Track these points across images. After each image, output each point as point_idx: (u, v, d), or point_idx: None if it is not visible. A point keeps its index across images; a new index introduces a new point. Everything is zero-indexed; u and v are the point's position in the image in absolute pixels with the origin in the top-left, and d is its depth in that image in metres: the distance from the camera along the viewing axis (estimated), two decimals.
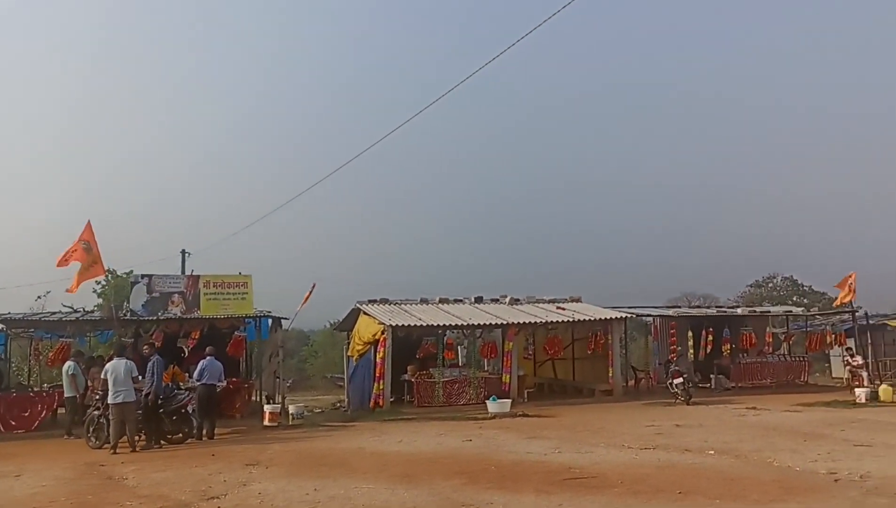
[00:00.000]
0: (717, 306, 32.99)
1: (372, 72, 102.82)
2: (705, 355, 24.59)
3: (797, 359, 25.99)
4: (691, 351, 24.28)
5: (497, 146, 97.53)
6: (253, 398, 20.72)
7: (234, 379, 19.60)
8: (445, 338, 22.85)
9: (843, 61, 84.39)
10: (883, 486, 8.54)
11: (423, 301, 24.53)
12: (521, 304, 24.89)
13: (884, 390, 19.91)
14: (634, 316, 25.22)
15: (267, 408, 18.01)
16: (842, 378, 25.69)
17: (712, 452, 11.56)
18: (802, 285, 48.95)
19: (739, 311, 27.74)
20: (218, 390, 16.19)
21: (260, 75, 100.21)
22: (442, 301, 24.72)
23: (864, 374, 22.37)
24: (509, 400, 19.30)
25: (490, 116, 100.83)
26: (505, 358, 21.72)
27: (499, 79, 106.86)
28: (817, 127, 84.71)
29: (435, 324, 21.56)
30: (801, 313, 29.31)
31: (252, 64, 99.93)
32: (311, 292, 19.53)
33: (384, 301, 23.94)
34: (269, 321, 21.43)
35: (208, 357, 16.08)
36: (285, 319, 21.59)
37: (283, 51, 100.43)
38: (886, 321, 31.26)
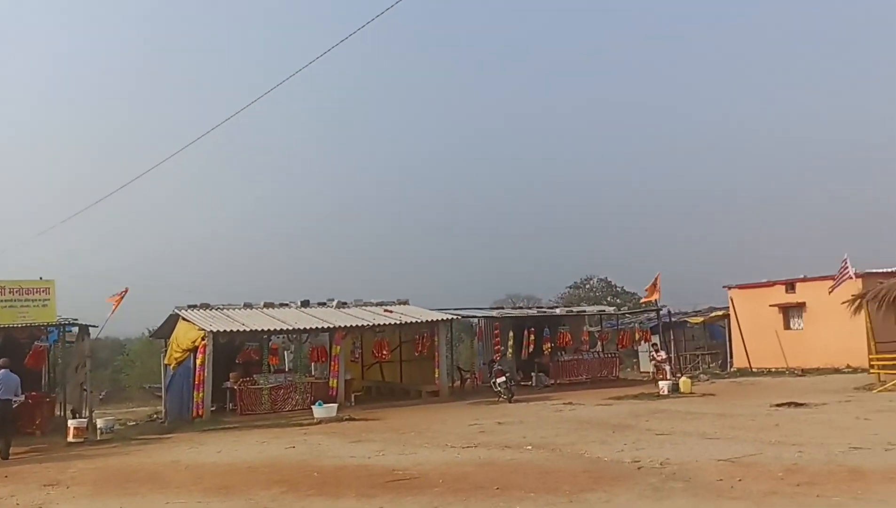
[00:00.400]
0: (538, 307, 34.47)
1: (193, 63, 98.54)
2: (527, 354, 25.59)
3: (609, 355, 27.61)
4: (510, 351, 25.18)
5: (321, 151, 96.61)
6: (56, 412, 19.28)
7: (33, 393, 18.16)
8: (270, 343, 22.26)
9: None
10: (680, 471, 9.22)
11: (247, 306, 23.83)
12: (348, 307, 24.79)
13: (683, 381, 21.58)
14: (460, 318, 25.82)
15: (71, 423, 16.69)
16: (648, 372, 27.69)
17: (530, 447, 12.02)
18: (616, 286, 52.39)
19: (558, 311, 29.11)
20: (14, 405, 14.80)
21: (63, 68, 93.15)
22: (267, 306, 24.14)
23: (667, 368, 24.26)
24: (336, 405, 19.08)
25: (316, 115, 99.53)
26: (332, 362, 21.45)
27: (329, 72, 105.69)
28: (631, 132, 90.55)
29: (259, 329, 20.93)
30: (613, 312, 31.21)
31: (59, 55, 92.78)
32: (122, 297, 18.39)
33: (205, 306, 23.00)
34: (75, 329, 19.89)
35: (2, 370, 14.65)
36: (94, 327, 20.17)
37: (86, 41, 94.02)
38: (687, 319, 34.15)
